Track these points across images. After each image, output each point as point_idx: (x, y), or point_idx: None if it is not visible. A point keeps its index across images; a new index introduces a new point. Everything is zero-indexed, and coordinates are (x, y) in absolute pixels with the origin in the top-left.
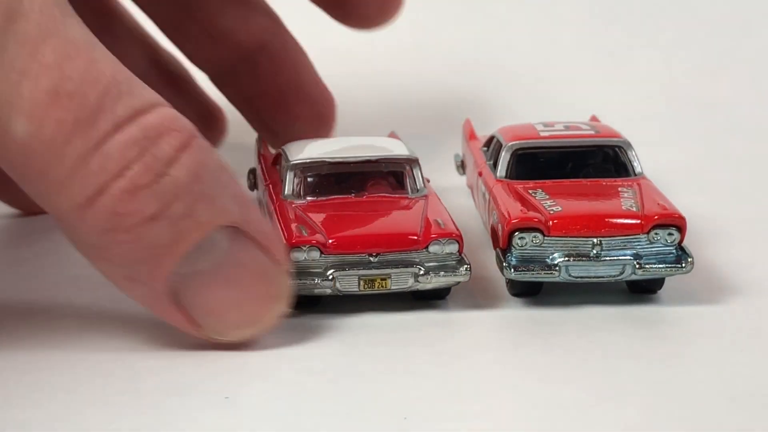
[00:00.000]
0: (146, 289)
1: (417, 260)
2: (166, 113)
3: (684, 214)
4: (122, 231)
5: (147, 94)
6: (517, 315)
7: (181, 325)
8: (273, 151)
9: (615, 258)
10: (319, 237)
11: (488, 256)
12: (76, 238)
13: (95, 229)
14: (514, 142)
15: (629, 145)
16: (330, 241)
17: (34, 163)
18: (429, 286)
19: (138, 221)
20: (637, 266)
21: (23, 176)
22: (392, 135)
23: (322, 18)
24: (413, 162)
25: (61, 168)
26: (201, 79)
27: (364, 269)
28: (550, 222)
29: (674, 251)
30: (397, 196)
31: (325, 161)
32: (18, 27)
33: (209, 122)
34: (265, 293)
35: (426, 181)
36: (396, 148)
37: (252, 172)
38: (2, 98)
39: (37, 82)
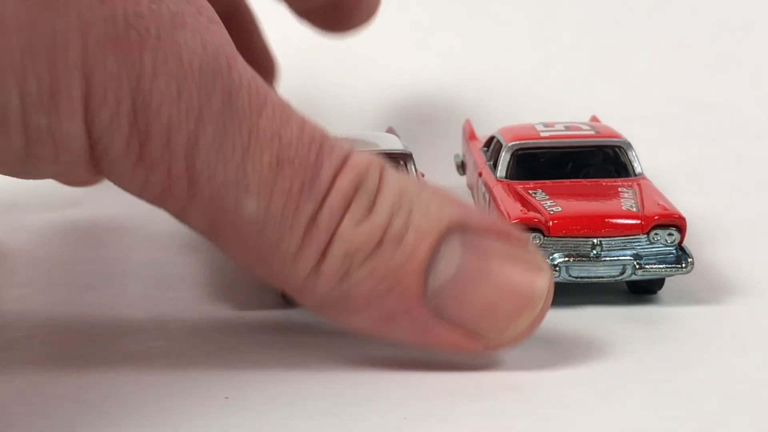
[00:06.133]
0: (409, 321)
1: None
2: (362, 155)
3: (684, 214)
4: (357, 268)
5: (344, 143)
6: None
7: (461, 342)
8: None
9: (615, 258)
10: None
11: None
12: (320, 302)
13: (333, 279)
14: (514, 143)
15: (629, 145)
16: None
17: (267, 238)
18: None
19: (368, 253)
20: (637, 266)
21: (257, 254)
22: (390, 130)
23: None
24: (407, 157)
25: (295, 235)
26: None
27: None
28: (550, 222)
29: (674, 251)
30: None
31: None
32: (235, 105)
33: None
34: (523, 271)
35: (420, 175)
36: (390, 143)
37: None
38: (229, 181)
39: (261, 158)
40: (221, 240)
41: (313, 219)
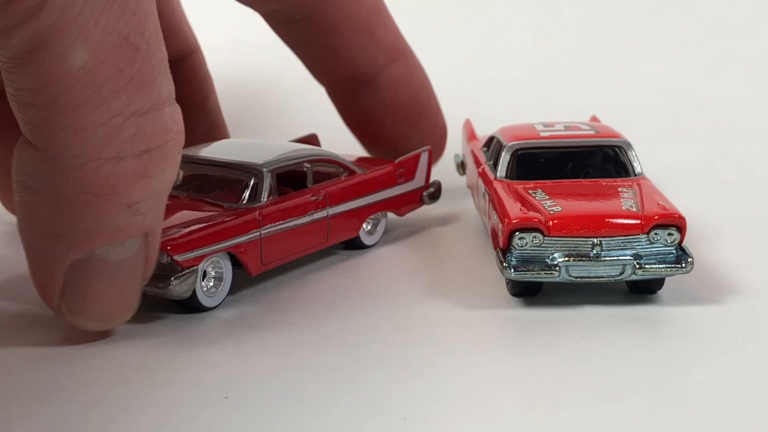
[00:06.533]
0: (56, 246)
1: None
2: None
3: (684, 214)
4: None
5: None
6: (517, 315)
7: (47, 290)
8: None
9: (615, 258)
10: None
11: (488, 256)
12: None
13: (83, 181)
14: (514, 143)
15: (629, 145)
16: None
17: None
18: None
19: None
20: (637, 266)
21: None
22: (310, 138)
23: None
24: (258, 174)
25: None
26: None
27: None
28: (550, 222)
29: (674, 251)
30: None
31: None
32: None
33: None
34: (133, 297)
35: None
36: (260, 155)
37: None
38: (77, 23)
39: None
40: (26, 76)
41: (121, 121)
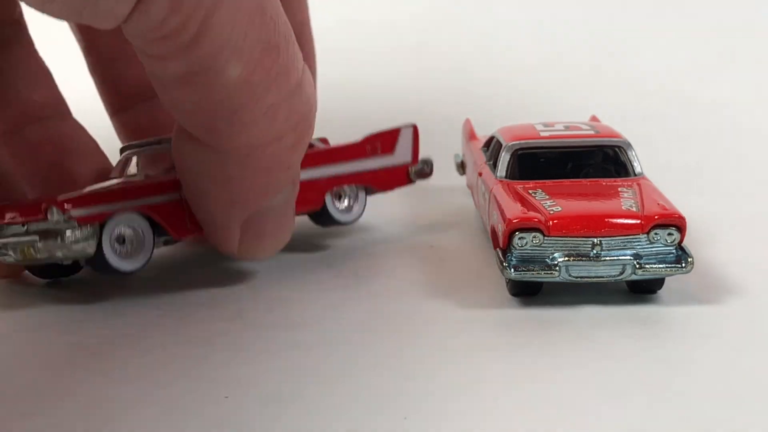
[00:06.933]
0: (232, 211)
1: None
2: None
3: (684, 214)
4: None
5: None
6: (517, 315)
7: (227, 243)
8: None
9: (615, 258)
10: None
11: (488, 256)
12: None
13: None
14: (514, 142)
15: (629, 145)
16: None
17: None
18: None
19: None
20: (637, 266)
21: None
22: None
23: (321, 17)
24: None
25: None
26: None
27: None
28: (550, 222)
29: (674, 251)
30: None
31: None
32: None
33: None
34: (291, 226)
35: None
36: None
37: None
38: (231, 43)
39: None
40: (186, 91)
41: (276, 107)
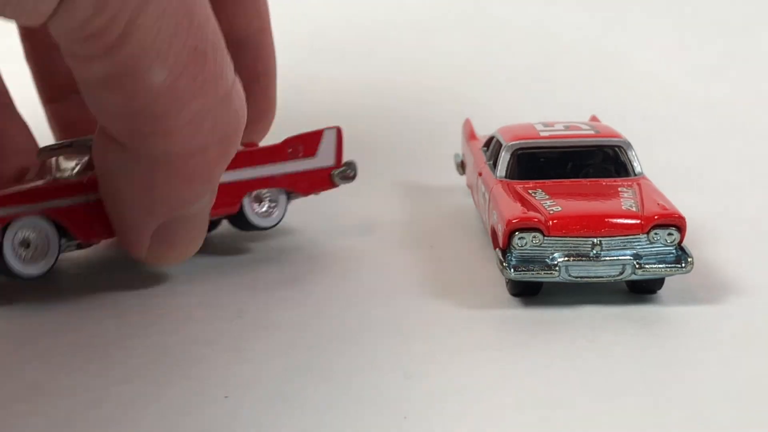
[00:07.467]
0: (147, 218)
1: None
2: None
3: (684, 214)
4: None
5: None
6: (517, 315)
7: (136, 248)
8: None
9: (615, 258)
10: None
11: (488, 256)
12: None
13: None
14: (514, 142)
15: (629, 145)
16: None
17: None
18: None
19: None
20: (637, 266)
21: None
22: None
23: (322, 17)
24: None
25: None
26: None
27: None
28: (550, 222)
29: (674, 251)
30: None
31: None
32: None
33: None
34: (202, 236)
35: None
36: None
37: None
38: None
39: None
40: (109, 94)
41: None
